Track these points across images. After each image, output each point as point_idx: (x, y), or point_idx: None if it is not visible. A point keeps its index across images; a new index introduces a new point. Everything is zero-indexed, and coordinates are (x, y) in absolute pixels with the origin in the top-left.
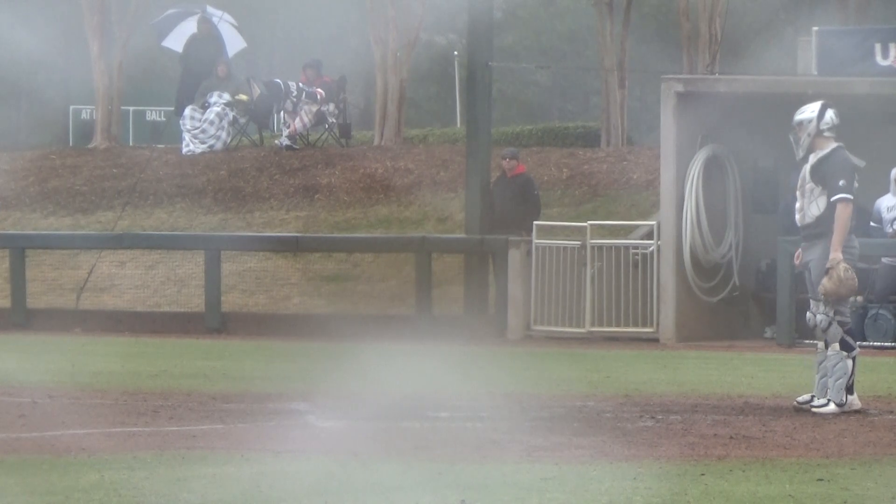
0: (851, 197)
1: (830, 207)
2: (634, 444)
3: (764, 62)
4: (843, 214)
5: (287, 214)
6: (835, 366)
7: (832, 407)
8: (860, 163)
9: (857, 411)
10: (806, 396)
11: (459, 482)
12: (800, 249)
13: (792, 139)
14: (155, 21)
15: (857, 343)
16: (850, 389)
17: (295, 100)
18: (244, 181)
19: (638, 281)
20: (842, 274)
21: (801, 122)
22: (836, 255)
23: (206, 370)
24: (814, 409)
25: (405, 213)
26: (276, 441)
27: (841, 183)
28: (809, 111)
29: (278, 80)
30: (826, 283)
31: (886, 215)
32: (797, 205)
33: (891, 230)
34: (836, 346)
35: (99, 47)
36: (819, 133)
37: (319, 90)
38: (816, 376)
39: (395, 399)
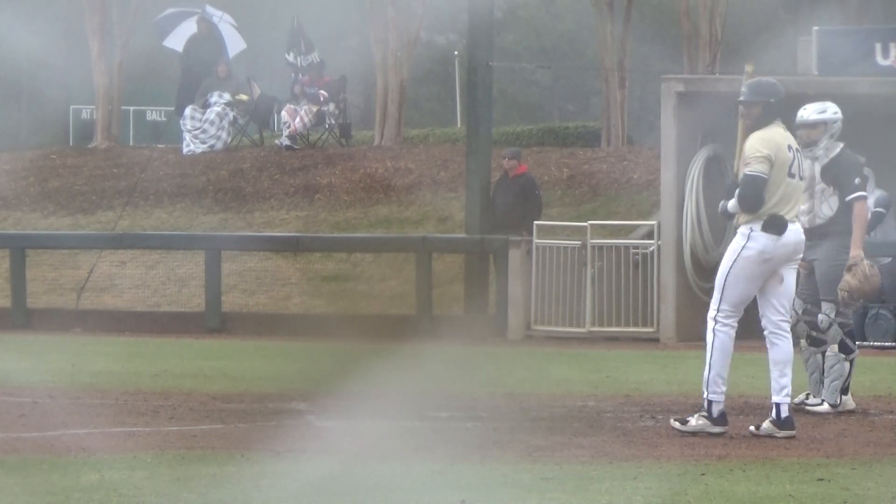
0: (866, 194)
1: (844, 207)
2: (634, 444)
3: (764, 62)
4: (861, 212)
5: (287, 214)
6: (832, 367)
7: (826, 407)
8: (861, 159)
9: (852, 411)
10: (801, 396)
11: (459, 482)
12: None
13: (803, 137)
14: (155, 20)
15: (857, 343)
16: (844, 390)
17: (295, 84)
18: (244, 181)
19: (638, 281)
20: (867, 270)
21: (825, 122)
22: (858, 252)
23: (206, 370)
24: (807, 408)
25: (405, 213)
26: (276, 441)
27: (857, 181)
28: (832, 112)
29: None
30: (851, 280)
31: None
32: (803, 206)
33: None
34: (835, 347)
35: (99, 47)
36: (838, 134)
37: (323, 92)
38: (807, 374)
39: (394, 399)
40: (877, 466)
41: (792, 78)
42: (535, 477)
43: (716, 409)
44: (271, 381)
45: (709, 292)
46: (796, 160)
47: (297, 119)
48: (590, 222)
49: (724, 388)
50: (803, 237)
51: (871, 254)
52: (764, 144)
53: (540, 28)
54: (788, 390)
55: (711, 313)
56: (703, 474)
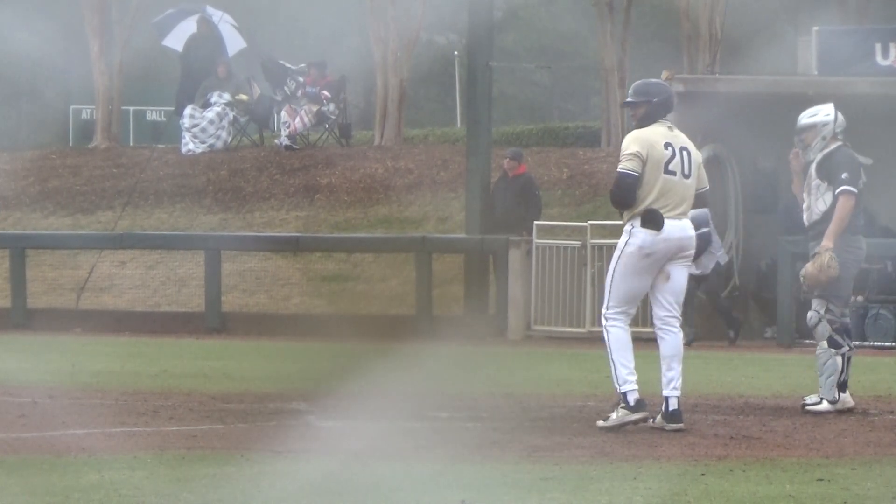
0: (855, 190)
1: (836, 201)
2: (634, 444)
3: (764, 62)
4: (844, 206)
5: (287, 214)
6: (824, 363)
7: (825, 405)
8: (866, 160)
9: (850, 410)
10: (814, 397)
11: (459, 482)
12: (796, 150)
13: (798, 143)
14: (155, 20)
15: (856, 342)
16: (842, 387)
17: (293, 88)
18: (244, 181)
19: None
20: (825, 261)
21: (814, 126)
22: (827, 243)
23: (206, 370)
24: (806, 407)
25: (405, 213)
26: (276, 441)
27: (844, 176)
28: (824, 115)
29: (282, 62)
30: (808, 267)
31: None
32: (804, 205)
33: None
34: (825, 343)
35: (99, 47)
36: (834, 136)
37: (325, 93)
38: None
39: (394, 399)
40: (877, 466)
41: (792, 78)
42: (535, 477)
43: (632, 398)
44: (271, 381)
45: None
46: (678, 158)
47: (297, 119)
48: (590, 222)
49: (634, 377)
50: (690, 233)
51: (873, 255)
52: (636, 143)
53: (540, 28)
54: (676, 383)
55: (603, 311)
56: (703, 474)
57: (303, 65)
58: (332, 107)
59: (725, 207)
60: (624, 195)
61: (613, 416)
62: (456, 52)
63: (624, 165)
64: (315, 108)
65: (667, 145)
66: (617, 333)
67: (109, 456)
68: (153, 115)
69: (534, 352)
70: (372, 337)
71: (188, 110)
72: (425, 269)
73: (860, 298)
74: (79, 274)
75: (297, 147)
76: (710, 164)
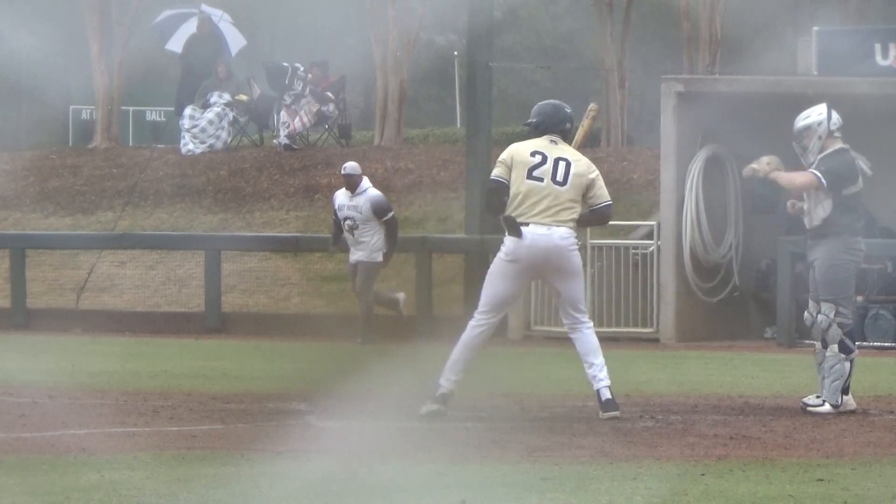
0: (821, 178)
1: (837, 209)
2: (634, 444)
3: (764, 62)
4: (800, 177)
5: (287, 214)
6: (832, 367)
7: (827, 407)
8: (866, 166)
9: (853, 411)
10: (812, 398)
11: (459, 482)
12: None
13: (797, 147)
14: (155, 23)
15: (857, 343)
16: (845, 390)
17: (298, 91)
18: (244, 181)
19: (638, 281)
20: (762, 172)
21: (809, 127)
22: (772, 173)
23: (206, 370)
24: (808, 409)
25: (405, 214)
26: (276, 441)
27: (823, 169)
28: (816, 114)
29: (286, 64)
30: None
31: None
32: (804, 207)
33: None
34: (835, 347)
35: (99, 47)
36: (830, 134)
37: (329, 94)
38: (819, 377)
39: (395, 399)
40: (877, 466)
41: (792, 78)
42: (535, 477)
43: (441, 390)
44: (271, 381)
45: (708, 293)
46: (548, 166)
47: (297, 119)
48: None
49: (454, 378)
50: (558, 242)
51: (873, 255)
52: (505, 153)
53: (540, 28)
54: (600, 375)
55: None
56: (703, 474)
57: (298, 64)
58: (331, 107)
59: (725, 207)
60: (490, 199)
61: (428, 404)
62: (456, 52)
63: (493, 173)
64: (315, 108)
65: (534, 153)
66: (471, 333)
67: (109, 456)
68: (153, 115)
69: (534, 352)
70: (372, 337)
71: (188, 110)
72: (425, 269)
73: (860, 298)
74: (79, 274)
75: (296, 147)
76: (709, 164)
